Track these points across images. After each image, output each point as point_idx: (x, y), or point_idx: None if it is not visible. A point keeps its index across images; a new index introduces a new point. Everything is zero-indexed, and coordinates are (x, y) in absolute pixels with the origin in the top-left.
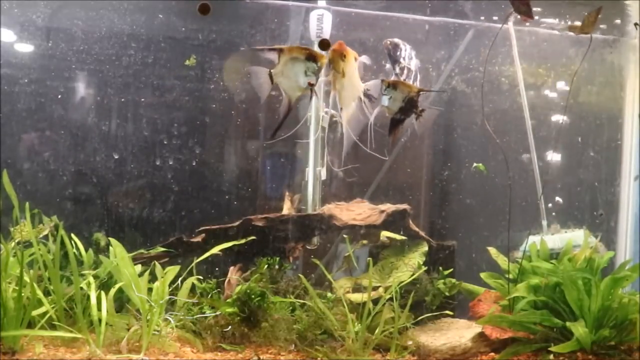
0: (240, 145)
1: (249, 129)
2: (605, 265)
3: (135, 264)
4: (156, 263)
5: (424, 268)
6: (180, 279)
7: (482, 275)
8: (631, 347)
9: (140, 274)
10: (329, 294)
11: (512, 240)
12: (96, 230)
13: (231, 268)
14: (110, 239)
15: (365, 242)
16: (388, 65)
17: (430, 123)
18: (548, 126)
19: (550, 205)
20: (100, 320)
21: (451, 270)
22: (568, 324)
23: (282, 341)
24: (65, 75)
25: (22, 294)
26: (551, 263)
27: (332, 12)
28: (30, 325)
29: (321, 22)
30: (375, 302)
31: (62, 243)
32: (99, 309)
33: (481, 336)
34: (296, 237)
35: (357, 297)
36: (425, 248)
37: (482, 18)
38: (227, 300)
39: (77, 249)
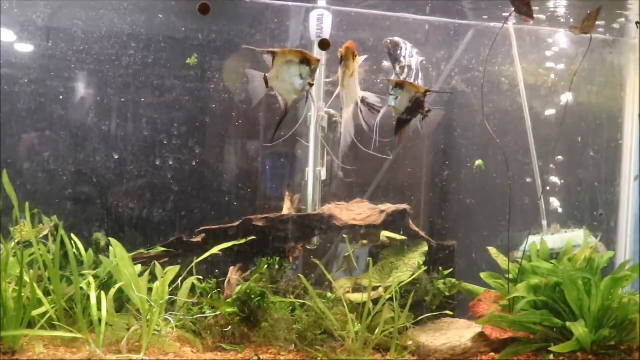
0: (240, 145)
1: (249, 129)
2: (605, 265)
3: (135, 264)
4: (156, 263)
5: (424, 268)
6: (180, 279)
7: (482, 275)
8: (631, 347)
9: (140, 274)
10: (329, 294)
11: (512, 240)
12: (96, 230)
13: (231, 268)
14: (110, 239)
15: (365, 242)
16: (386, 64)
17: (435, 124)
18: (548, 126)
19: (550, 205)
20: (100, 320)
21: (451, 270)
22: (568, 324)
23: (282, 341)
24: (65, 75)
25: (22, 294)
26: (551, 263)
27: (332, 12)
28: (30, 325)
29: (321, 22)
30: (375, 302)
31: (62, 243)
32: (99, 309)
33: (481, 336)
34: (296, 237)
35: (357, 297)
36: (425, 248)
37: (485, 17)
38: (227, 300)
39: (77, 249)
